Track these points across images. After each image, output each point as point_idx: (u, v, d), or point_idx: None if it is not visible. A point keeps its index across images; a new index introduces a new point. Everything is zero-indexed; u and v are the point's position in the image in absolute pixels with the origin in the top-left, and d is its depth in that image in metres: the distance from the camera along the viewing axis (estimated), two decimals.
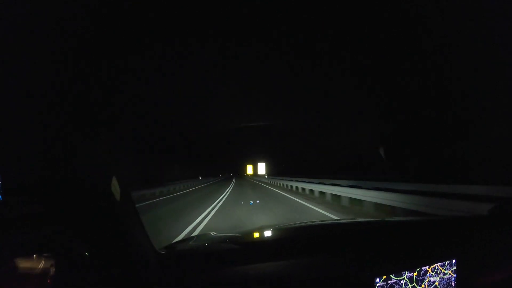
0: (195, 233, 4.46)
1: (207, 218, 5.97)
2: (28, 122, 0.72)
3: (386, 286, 0.88)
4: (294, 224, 1.81)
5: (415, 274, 0.92)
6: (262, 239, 1.34)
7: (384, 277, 0.88)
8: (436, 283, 0.95)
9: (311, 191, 11.40)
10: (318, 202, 8.36)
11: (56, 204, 0.77)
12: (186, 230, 4.74)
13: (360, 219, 2.35)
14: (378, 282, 0.87)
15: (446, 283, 0.97)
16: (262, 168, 53.15)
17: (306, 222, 2.04)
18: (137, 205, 0.95)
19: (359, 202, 6.84)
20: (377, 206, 6.13)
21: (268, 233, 1.47)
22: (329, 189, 9.01)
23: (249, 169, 76.83)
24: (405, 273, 0.91)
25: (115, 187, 0.81)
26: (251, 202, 8.74)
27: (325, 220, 3.25)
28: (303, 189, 12.83)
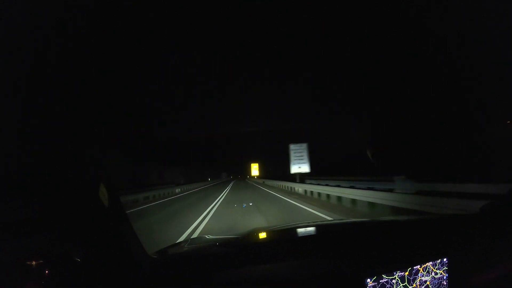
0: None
1: None
2: (24, 126, 0.72)
3: (378, 286, 0.88)
4: (287, 225, 1.81)
5: (406, 273, 0.92)
6: (255, 242, 1.34)
7: (375, 277, 0.88)
8: (428, 282, 0.95)
9: None
10: None
11: (49, 209, 0.77)
12: None
13: (351, 220, 2.36)
14: (368, 283, 0.88)
15: (438, 283, 0.97)
16: (302, 165, 18.67)
17: (298, 224, 2.04)
18: None
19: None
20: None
21: (261, 236, 1.48)
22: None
23: (254, 171, 53.54)
24: (396, 273, 0.91)
25: (103, 193, 0.81)
26: None
27: (317, 221, 3.26)
28: None
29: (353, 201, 7.67)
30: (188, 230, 5.35)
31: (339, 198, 8.55)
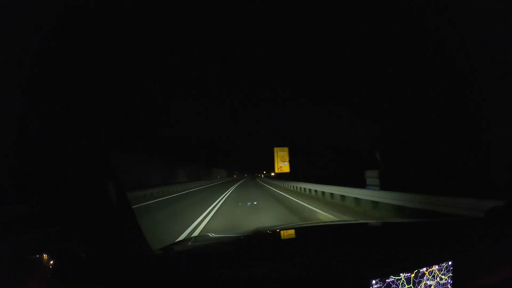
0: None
1: None
2: (27, 123, 0.72)
3: (383, 286, 0.88)
4: (291, 225, 1.81)
5: (412, 275, 0.92)
6: (259, 241, 1.34)
7: (380, 278, 0.88)
8: (432, 287, 0.95)
9: None
10: None
11: (54, 206, 0.77)
12: None
13: (357, 221, 2.37)
14: (374, 284, 0.87)
15: None
16: None
17: (303, 223, 2.05)
18: None
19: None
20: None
21: (264, 235, 1.47)
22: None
23: (281, 162, 27.68)
24: (402, 274, 0.91)
25: (111, 189, 0.81)
26: None
27: (323, 222, 3.27)
28: None
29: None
30: None
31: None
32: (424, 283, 0.94)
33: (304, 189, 13.15)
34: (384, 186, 6.83)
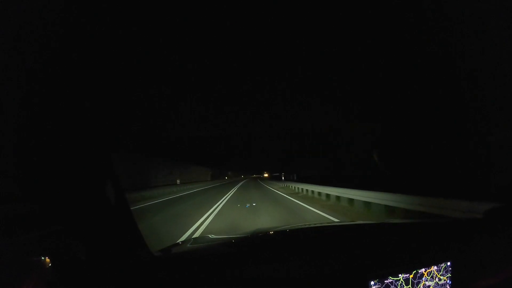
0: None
1: None
2: (26, 124, 0.72)
3: (382, 287, 0.88)
4: (291, 226, 1.81)
5: (411, 276, 0.93)
6: (258, 242, 1.34)
7: (378, 279, 0.88)
8: (431, 287, 0.95)
9: None
10: None
11: (54, 206, 0.78)
12: None
13: (356, 222, 2.37)
14: (372, 285, 0.88)
15: None
16: None
17: (302, 225, 2.04)
18: None
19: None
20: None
21: (264, 236, 1.48)
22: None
23: None
24: (401, 275, 0.91)
25: (110, 190, 0.81)
26: None
27: (322, 223, 3.27)
28: None
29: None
30: None
31: None
32: (422, 283, 0.94)
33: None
34: (382, 187, 6.84)
